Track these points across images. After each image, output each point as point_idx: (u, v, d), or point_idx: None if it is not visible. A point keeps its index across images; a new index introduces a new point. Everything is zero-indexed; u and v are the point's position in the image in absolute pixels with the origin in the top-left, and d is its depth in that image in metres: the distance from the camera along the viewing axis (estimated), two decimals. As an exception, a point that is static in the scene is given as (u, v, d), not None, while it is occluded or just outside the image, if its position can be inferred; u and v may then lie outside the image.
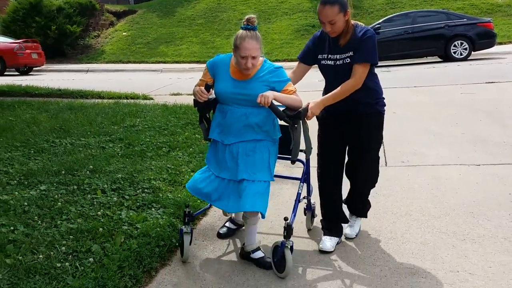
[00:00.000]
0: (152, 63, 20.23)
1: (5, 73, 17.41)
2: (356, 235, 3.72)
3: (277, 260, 3.11)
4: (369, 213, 3.92)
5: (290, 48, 20.23)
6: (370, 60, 3.19)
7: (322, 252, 3.49)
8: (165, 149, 5.79)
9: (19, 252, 3.11)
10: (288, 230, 3.06)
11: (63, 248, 3.20)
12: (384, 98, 3.48)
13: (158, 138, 6.25)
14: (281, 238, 3.15)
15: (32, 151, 5.51)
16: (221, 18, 24.02)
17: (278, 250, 3.10)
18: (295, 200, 3.43)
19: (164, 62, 20.17)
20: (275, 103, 3.08)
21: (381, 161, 5.67)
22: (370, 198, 3.87)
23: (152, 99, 10.15)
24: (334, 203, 3.66)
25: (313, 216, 3.89)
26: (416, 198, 4.54)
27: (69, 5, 21.69)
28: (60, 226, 3.53)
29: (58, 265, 2.98)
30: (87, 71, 18.86)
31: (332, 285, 3.08)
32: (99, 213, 3.79)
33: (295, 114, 3.03)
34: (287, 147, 3.26)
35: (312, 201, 3.81)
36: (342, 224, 3.73)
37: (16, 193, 4.15)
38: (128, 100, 9.67)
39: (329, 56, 3.27)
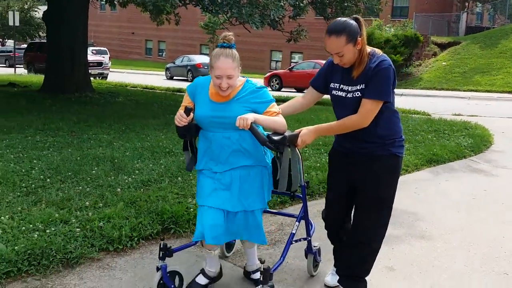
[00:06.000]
0: (464, 91, 21.25)
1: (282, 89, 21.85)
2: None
3: None
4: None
5: None
6: (380, 97, 2.71)
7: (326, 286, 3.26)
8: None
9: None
10: (264, 275, 2.71)
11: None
12: (403, 139, 2.97)
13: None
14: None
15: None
16: (550, 49, 23.01)
17: None
18: (287, 241, 3.10)
19: (476, 91, 20.92)
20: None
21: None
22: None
23: (429, 115, 11.99)
24: (340, 249, 3.27)
25: (316, 260, 3.45)
26: None
27: (396, 37, 24.70)
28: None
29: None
30: (401, 95, 21.31)
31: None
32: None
33: (280, 139, 2.73)
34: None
35: (315, 243, 3.43)
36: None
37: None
38: (403, 114, 11.96)
39: (342, 86, 2.85)
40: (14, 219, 3.77)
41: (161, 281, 2.95)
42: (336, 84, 2.90)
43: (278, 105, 2.97)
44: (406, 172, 6.39)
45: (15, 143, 6.42)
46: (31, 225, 3.65)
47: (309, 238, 3.31)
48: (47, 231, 3.58)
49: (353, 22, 2.72)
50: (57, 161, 5.52)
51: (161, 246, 2.95)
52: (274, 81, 23.51)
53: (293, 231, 3.11)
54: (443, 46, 26.88)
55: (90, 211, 4.03)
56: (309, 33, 13.36)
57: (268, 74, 24.45)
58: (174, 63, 30.27)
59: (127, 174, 5.20)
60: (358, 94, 2.78)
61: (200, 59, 29.53)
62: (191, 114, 2.79)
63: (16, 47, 30.95)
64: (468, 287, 3.38)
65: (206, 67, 28.23)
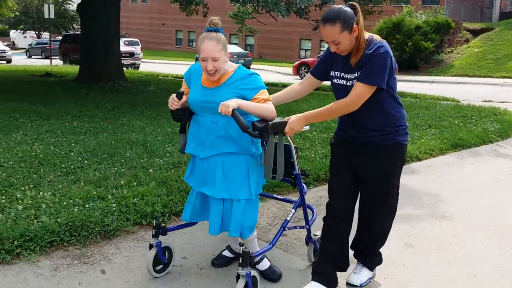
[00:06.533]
0: (496, 78, 20.89)
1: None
2: (361, 285, 3.12)
3: None
4: None
5: None
6: (371, 81, 2.64)
7: None
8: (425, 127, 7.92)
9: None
10: (244, 258, 2.66)
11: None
12: (406, 126, 2.91)
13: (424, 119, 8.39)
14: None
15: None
16: None
17: (236, 279, 2.75)
18: (280, 227, 3.10)
19: (509, 77, 20.53)
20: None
21: None
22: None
23: (458, 101, 11.93)
24: (334, 244, 2.98)
25: (316, 249, 3.33)
26: None
27: (426, 24, 24.34)
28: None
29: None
30: (432, 82, 21.11)
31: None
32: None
33: (262, 127, 2.67)
34: (285, 167, 2.98)
35: (317, 232, 3.33)
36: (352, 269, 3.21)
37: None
38: (431, 100, 11.91)
39: (342, 74, 2.80)
40: (55, 195, 4.09)
41: (155, 257, 3.08)
42: (337, 72, 2.85)
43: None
44: (431, 156, 6.47)
45: (54, 128, 6.80)
46: (71, 201, 3.96)
47: (308, 227, 3.28)
48: (86, 206, 3.88)
49: (348, 9, 2.66)
50: (94, 145, 5.84)
51: (154, 224, 3.04)
52: (303, 69, 23.52)
53: (288, 218, 3.10)
54: (475, 32, 26.39)
55: (125, 189, 4.31)
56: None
57: (297, 62, 24.47)
58: (203, 53, 30.54)
59: (159, 156, 5.47)
60: (356, 81, 2.72)
61: (229, 48, 29.44)
62: (184, 98, 2.84)
63: (52, 39, 31.77)
64: (484, 263, 3.50)
65: (235, 56, 28.41)
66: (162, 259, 3.11)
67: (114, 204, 3.95)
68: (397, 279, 3.25)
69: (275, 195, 3.71)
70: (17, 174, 4.63)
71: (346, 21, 2.62)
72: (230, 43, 40.70)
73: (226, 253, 3.33)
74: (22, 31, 51.88)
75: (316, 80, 3.05)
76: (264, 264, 3.16)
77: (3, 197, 4.03)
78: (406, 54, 23.88)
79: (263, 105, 2.74)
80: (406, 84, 18.91)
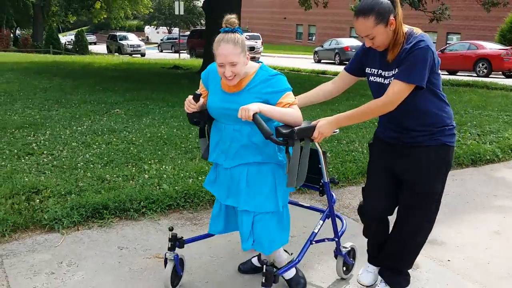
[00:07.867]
0: None
1: (490, 75, 20.27)
2: None
3: None
4: None
5: None
6: (410, 79, 2.39)
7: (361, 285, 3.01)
8: None
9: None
10: (267, 277, 2.45)
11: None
12: (453, 126, 2.64)
13: None
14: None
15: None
16: None
17: None
18: (307, 240, 2.84)
19: None
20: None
21: None
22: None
23: None
24: (375, 246, 3.00)
25: (346, 263, 3.10)
26: None
27: None
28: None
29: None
30: None
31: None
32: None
33: (287, 133, 2.41)
34: (312, 173, 2.81)
35: (347, 244, 3.11)
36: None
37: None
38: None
39: (379, 72, 2.59)
40: (175, 169, 4.79)
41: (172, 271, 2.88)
42: (374, 70, 2.64)
43: None
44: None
45: (178, 114, 7.66)
46: (187, 174, 4.64)
47: (337, 239, 2.98)
48: (199, 178, 4.52)
49: (384, 0, 2.41)
50: (210, 129, 6.54)
51: (171, 236, 2.82)
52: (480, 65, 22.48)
53: (315, 230, 2.85)
54: None
55: (233, 166, 4.88)
56: (464, 12, 12.99)
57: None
58: (322, 46, 30.81)
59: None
60: (393, 79, 2.47)
61: (349, 42, 29.64)
62: (201, 100, 2.61)
63: (181, 34, 34.12)
64: None
65: (353, 50, 28.26)
66: (179, 272, 2.93)
67: (222, 178, 4.54)
68: (475, 261, 3.42)
69: (300, 203, 3.34)
70: (145, 150, 5.43)
71: (381, 14, 2.39)
72: (350, 36, 40.40)
73: (255, 260, 3.16)
74: (155, 27, 56.18)
75: (350, 77, 2.84)
76: (290, 273, 2.93)
77: (134, 168, 4.82)
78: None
79: (288, 110, 2.48)
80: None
